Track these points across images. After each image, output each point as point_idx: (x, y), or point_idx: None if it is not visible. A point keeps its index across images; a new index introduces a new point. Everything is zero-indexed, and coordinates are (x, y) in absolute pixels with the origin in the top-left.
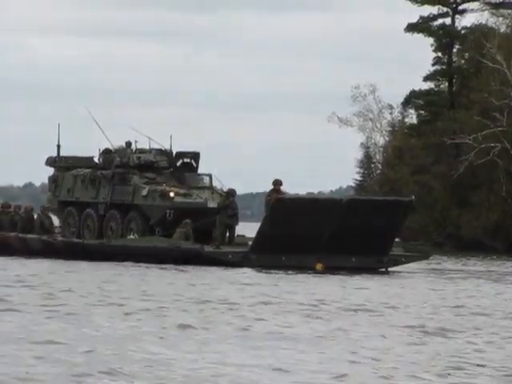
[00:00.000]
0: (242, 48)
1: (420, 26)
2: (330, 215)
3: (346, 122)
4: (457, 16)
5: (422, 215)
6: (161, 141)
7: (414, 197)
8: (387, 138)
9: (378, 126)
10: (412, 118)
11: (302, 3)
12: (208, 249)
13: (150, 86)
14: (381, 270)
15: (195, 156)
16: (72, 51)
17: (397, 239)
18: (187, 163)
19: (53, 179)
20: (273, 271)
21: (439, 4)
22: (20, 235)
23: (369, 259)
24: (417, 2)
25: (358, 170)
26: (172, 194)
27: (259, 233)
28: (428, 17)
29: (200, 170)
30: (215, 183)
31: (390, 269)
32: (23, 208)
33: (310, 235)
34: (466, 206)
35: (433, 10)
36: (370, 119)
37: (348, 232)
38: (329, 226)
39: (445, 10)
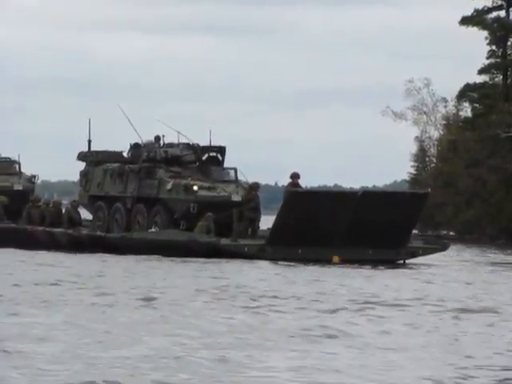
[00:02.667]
0: (295, 43)
1: (474, 20)
2: (345, 208)
3: (401, 115)
4: (511, 9)
5: (477, 209)
6: (217, 135)
7: (429, 189)
8: (442, 132)
9: (433, 119)
10: (466, 111)
11: None
12: (224, 242)
13: (208, 81)
14: (398, 262)
15: (221, 150)
16: (129, 47)
17: (451, 233)
18: (213, 157)
19: (84, 174)
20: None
21: None
22: (47, 229)
23: (386, 251)
24: None
25: (412, 163)
26: (196, 188)
27: (275, 225)
28: (482, 10)
29: (258, 165)
30: (240, 177)
31: (407, 261)
32: (52, 202)
33: (326, 228)
34: None
35: (487, 2)
36: (425, 113)
37: (364, 224)
38: (344, 218)
39: (499, 2)
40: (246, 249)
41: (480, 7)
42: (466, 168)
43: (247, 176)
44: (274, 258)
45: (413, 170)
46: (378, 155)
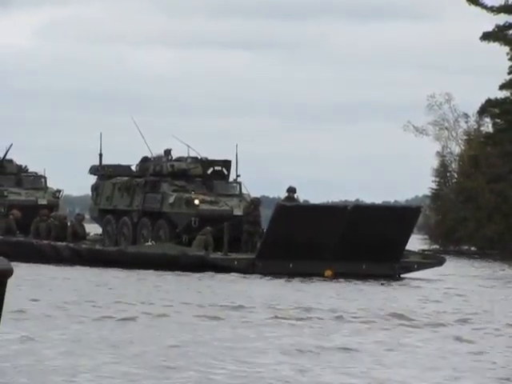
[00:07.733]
0: (319, 57)
1: (496, 35)
2: (335, 222)
3: (422, 131)
4: None
5: (498, 224)
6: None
7: (422, 204)
8: (463, 147)
9: (454, 134)
10: (488, 126)
11: (377, 13)
12: (214, 255)
13: (233, 96)
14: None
15: (226, 164)
16: (156, 61)
17: (472, 248)
18: (218, 171)
19: (94, 188)
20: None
21: None
22: (52, 243)
23: (379, 266)
24: (492, 11)
25: (433, 178)
26: (197, 202)
27: (265, 239)
28: (504, 25)
29: (282, 179)
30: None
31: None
32: (58, 216)
33: (317, 242)
34: None
35: (508, 18)
36: (446, 128)
37: (357, 239)
38: (336, 232)
39: None
40: (235, 262)
41: (501, 23)
42: (487, 183)
43: (277, 190)
44: (264, 272)
45: (434, 185)
46: (400, 170)
